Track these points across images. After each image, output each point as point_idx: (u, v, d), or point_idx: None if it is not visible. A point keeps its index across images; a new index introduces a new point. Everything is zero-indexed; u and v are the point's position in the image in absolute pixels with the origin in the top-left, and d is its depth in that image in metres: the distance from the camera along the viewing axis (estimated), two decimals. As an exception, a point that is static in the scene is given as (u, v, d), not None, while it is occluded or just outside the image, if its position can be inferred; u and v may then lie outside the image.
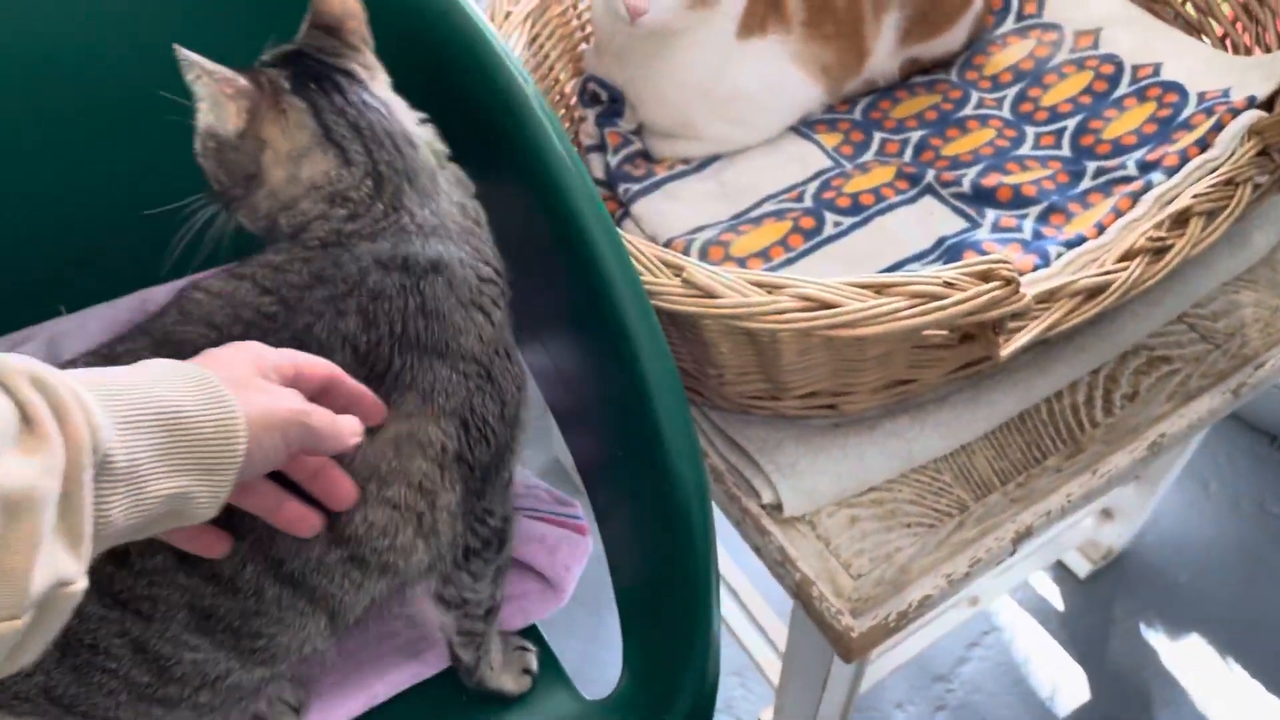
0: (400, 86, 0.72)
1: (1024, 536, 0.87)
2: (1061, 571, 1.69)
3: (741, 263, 0.91)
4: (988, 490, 0.90)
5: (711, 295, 0.71)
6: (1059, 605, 1.65)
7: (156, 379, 0.45)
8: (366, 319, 0.61)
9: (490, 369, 0.65)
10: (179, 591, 0.58)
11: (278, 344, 0.56)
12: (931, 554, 0.85)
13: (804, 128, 1.03)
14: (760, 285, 0.72)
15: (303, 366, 0.55)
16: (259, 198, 0.65)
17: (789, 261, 0.91)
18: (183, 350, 0.53)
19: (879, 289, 0.71)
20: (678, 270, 0.73)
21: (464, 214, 0.69)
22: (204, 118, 0.65)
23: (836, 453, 0.88)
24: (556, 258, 0.73)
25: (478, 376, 0.64)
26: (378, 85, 0.70)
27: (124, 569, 0.57)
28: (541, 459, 1.66)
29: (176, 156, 0.66)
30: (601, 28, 0.98)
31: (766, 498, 0.86)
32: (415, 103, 0.72)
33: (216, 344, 0.54)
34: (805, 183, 0.98)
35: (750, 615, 1.46)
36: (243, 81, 0.63)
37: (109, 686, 0.58)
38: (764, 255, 0.91)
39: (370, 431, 0.60)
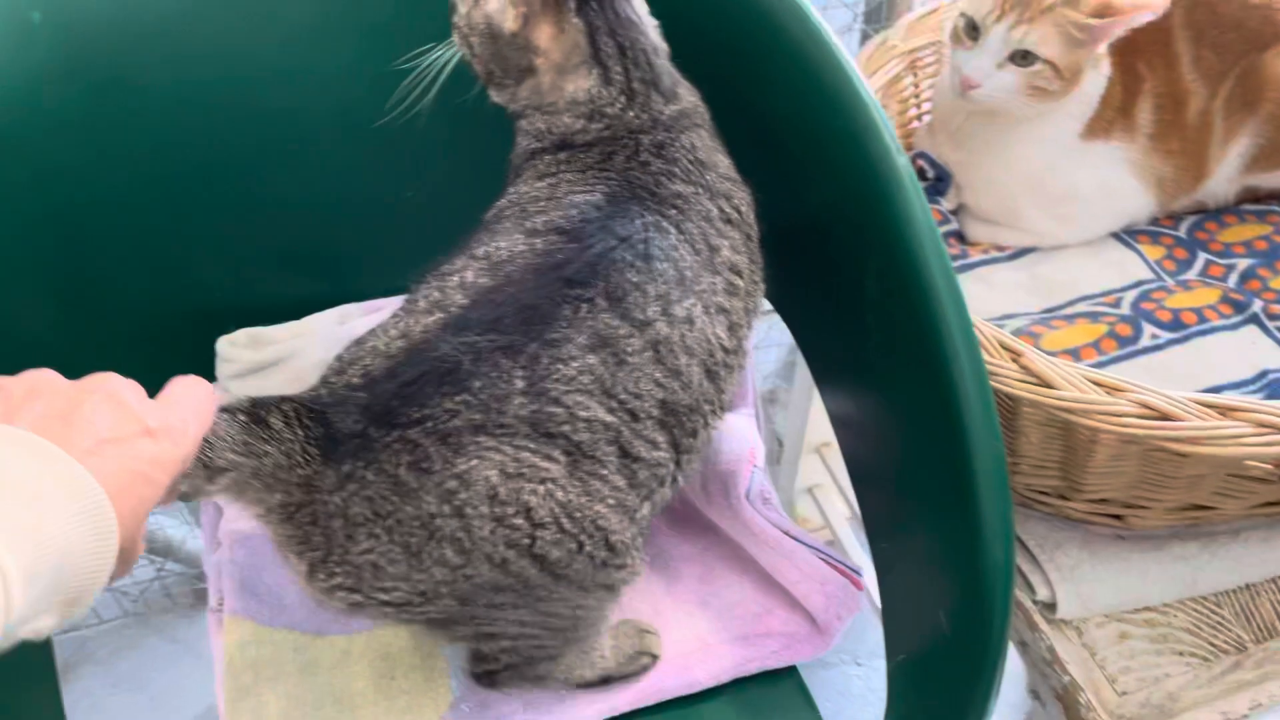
0: (757, 121, 0.77)
1: (1313, 690, 0.83)
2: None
3: (1051, 357, 0.91)
4: (1270, 635, 0.87)
5: (1048, 384, 0.73)
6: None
7: (59, 521, 0.41)
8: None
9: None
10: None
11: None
12: (1204, 688, 0.83)
13: (1126, 235, 1.02)
14: (1099, 384, 0.72)
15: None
16: (523, 89, 0.73)
17: (1100, 365, 0.91)
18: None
19: (1223, 411, 0.71)
20: (1016, 355, 0.74)
21: (696, 106, 0.76)
22: (485, 7, 0.70)
23: (1119, 565, 0.87)
24: (895, 314, 0.75)
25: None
26: None
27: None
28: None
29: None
30: (943, 107, 1.01)
31: (1041, 595, 0.86)
32: (769, 140, 0.77)
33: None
34: (1123, 290, 0.97)
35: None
36: None
37: (600, 493, 0.63)
38: (1074, 354, 0.92)
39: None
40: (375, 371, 0.61)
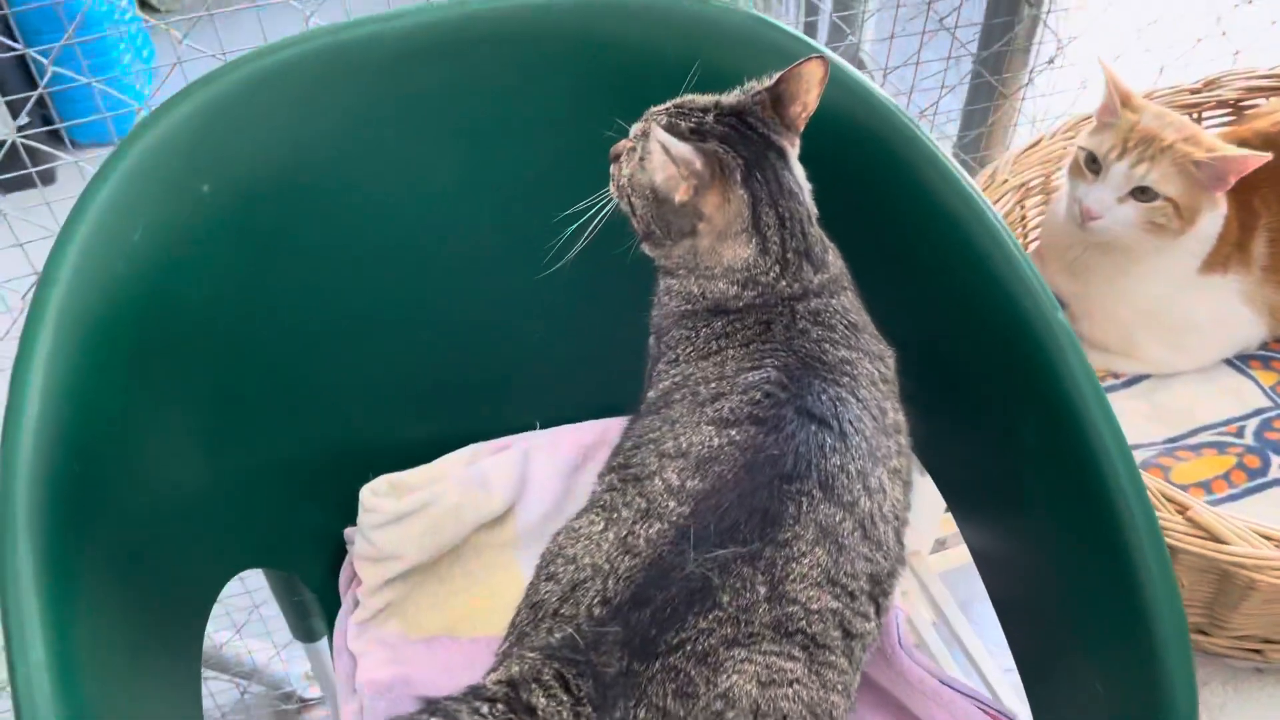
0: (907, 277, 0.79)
1: None
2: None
3: (1183, 491, 0.92)
4: None
5: (1218, 539, 0.73)
6: None
7: None
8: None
9: None
10: None
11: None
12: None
13: (1238, 361, 1.04)
14: (1268, 538, 0.73)
15: None
16: (679, 249, 0.74)
17: (1232, 498, 0.92)
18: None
19: (1396, 564, 0.72)
20: (1182, 508, 0.75)
21: (842, 271, 0.77)
22: (650, 176, 0.72)
23: (1265, 699, 0.87)
24: (1057, 466, 0.76)
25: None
26: (794, 160, 0.76)
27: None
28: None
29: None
30: (1058, 238, 1.03)
31: (1193, 734, 0.86)
32: (919, 297, 0.79)
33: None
34: (1244, 419, 0.98)
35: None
36: (699, 165, 0.69)
37: (832, 682, 0.63)
38: (1205, 487, 0.92)
39: None
40: (616, 597, 0.60)
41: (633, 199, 0.75)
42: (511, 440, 0.99)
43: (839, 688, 0.63)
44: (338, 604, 0.94)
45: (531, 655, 0.60)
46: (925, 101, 1.16)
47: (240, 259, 0.80)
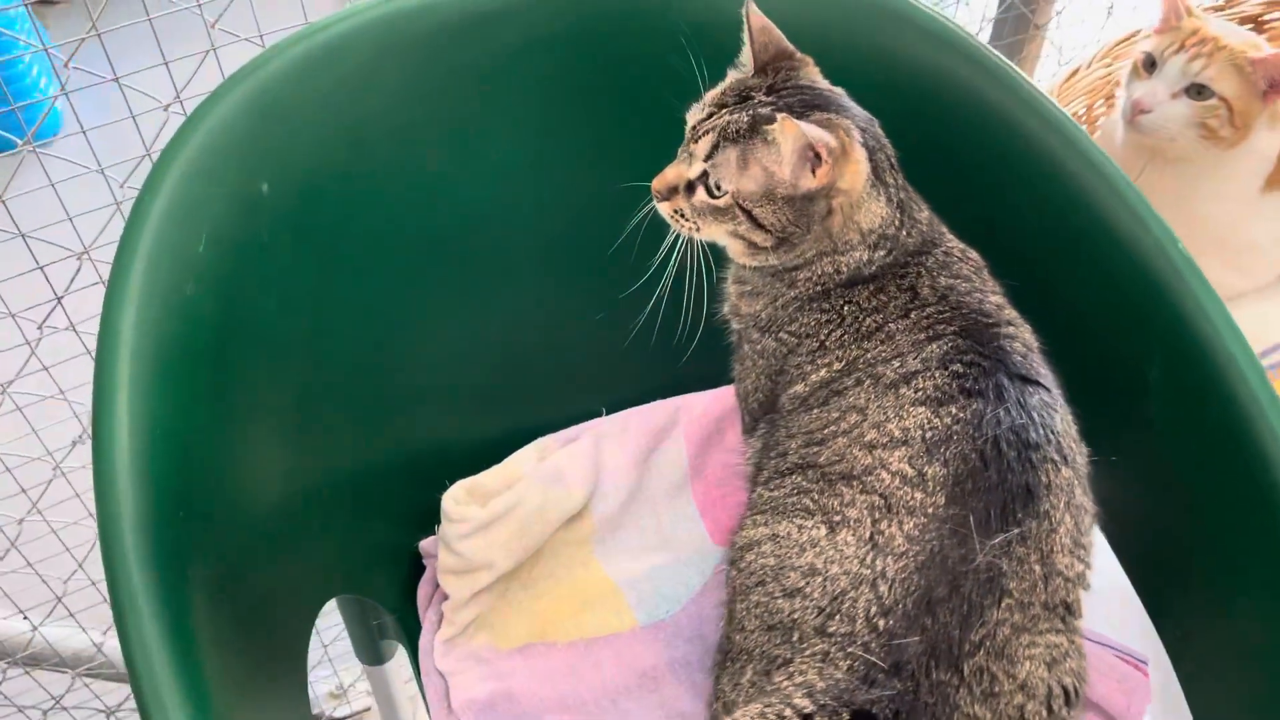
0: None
1: None
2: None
3: None
4: None
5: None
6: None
7: None
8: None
9: None
10: None
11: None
12: None
13: (1291, 272, 1.03)
14: None
15: None
16: (809, 239, 0.68)
17: (1319, 415, 0.91)
18: None
19: None
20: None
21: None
22: (773, 175, 0.65)
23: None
24: (1189, 403, 0.74)
25: None
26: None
27: None
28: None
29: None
30: (1119, 162, 1.00)
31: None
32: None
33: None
34: (1312, 333, 0.98)
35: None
36: (833, 141, 0.63)
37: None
38: (1291, 407, 0.91)
39: None
40: (899, 605, 0.56)
41: (755, 212, 0.67)
42: (579, 429, 0.94)
43: (1083, 650, 0.60)
44: (413, 623, 0.88)
45: (823, 699, 0.55)
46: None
47: (305, 261, 0.73)
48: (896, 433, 0.60)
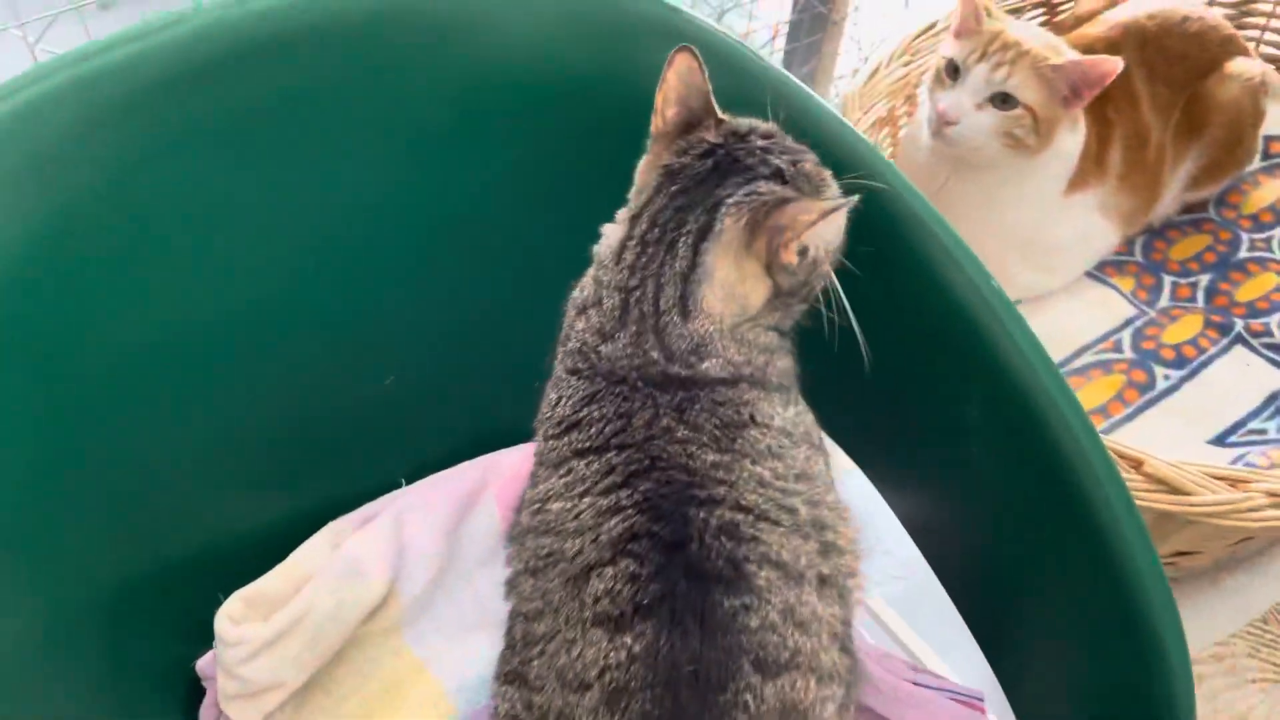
0: None
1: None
2: None
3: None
4: (1318, 640, 0.91)
5: (1180, 491, 0.71)
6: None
7: None
8: None
9: None
10: None
11: None
12: (1287, 712, 0.86)
13: (1095, 270, 1.03)
14: (1220, 479, 0.71)
15: None
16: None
17: (1129, 418, 0.91)
18: None
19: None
20: (1136, 463, 0.72)
21: None
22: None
23: (1188, 610, 0.88)
24: (1006, 439, 0.72)
25: None
26: None
27: None
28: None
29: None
30: (922, 171, 0.97)
31: (1136, 663, 0.86)
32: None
33: None
34: (1117, 331, 0.98)
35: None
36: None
37: None
38: (1104, 412, 0.91)
39: None
40: None
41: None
42: (377, 506, 0.84)
43: None
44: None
45: None
46: (759, 41, 1.06)
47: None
48: (579, 669, 0.52)
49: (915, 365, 0.74)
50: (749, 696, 0.51)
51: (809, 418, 0.63)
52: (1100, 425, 0.91)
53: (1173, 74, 0.96)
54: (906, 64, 1.00)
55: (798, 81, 0.74)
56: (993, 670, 0.80)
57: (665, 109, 0.61)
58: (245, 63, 0.66)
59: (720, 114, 0.62)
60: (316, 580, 0.77)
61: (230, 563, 0.78)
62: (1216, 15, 1.03)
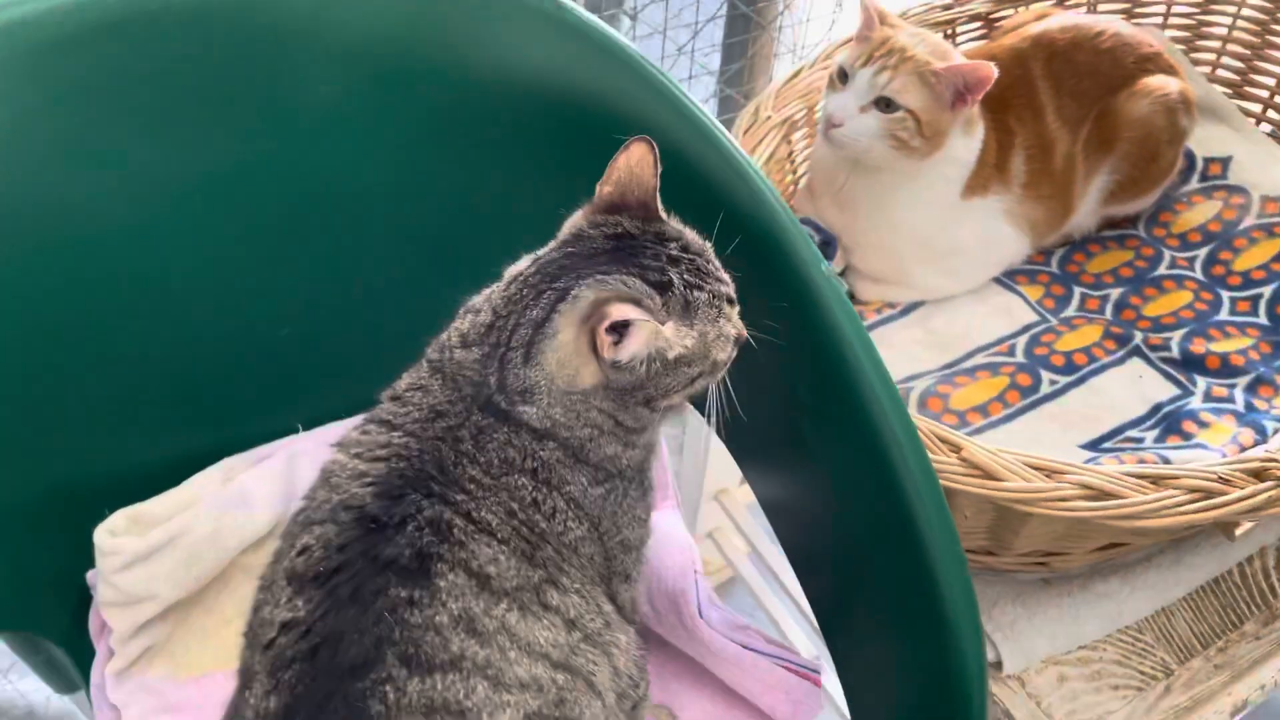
0: None
1: (1240, 710, 0.88)
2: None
3: (961, 416, 0.93)
4: (1189, 654, 0.91)
5: (992, 477, 0.73)
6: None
7: None
8: None
9: None
10: None
11: None
12: (1144, 717, 0.87)
13: (1005, 278, 1.05)
14: (1038, 469, 0.74)
15: None
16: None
17: (1008, 418, 0.93)
18: None
19: (1155, 480, 0.73)
20: (955, 448, 0.75)
21: None
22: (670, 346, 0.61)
23: (1053, 612, 0.90)
24: (833, 420, 0.74)
25: None
26: None
27: None
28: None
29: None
30: (824, 170, 1.00)
31: (989, 657, 0.88)
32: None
33: None
34: (1014, 336, 1.00)
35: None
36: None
37: None
38: (983, 411, 0.93)
39: None
40: None
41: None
42: (272, 448, 0.91)
43: None
44: (92, 652, 0.85)
45: None
46: (683, 37, 1.11)
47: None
48: (268, 619, 0.60)
49: (765, 329, 0.77)
50: (388, 688, 0.53)
51: (635, 510, 0.68)
52: (977, 423, 0.93)
53: (1081, 88, 0.98)
54: (829, 68, 1.03)
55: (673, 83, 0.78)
56: (828, 649, 0.83)
57: (603, 186, 0.66)
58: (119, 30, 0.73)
59: (662, 213, 0.66)
60: (200, 506, 0.84)
61: (126, 490, 0.85)
62: (1147, 33, 1.04)
